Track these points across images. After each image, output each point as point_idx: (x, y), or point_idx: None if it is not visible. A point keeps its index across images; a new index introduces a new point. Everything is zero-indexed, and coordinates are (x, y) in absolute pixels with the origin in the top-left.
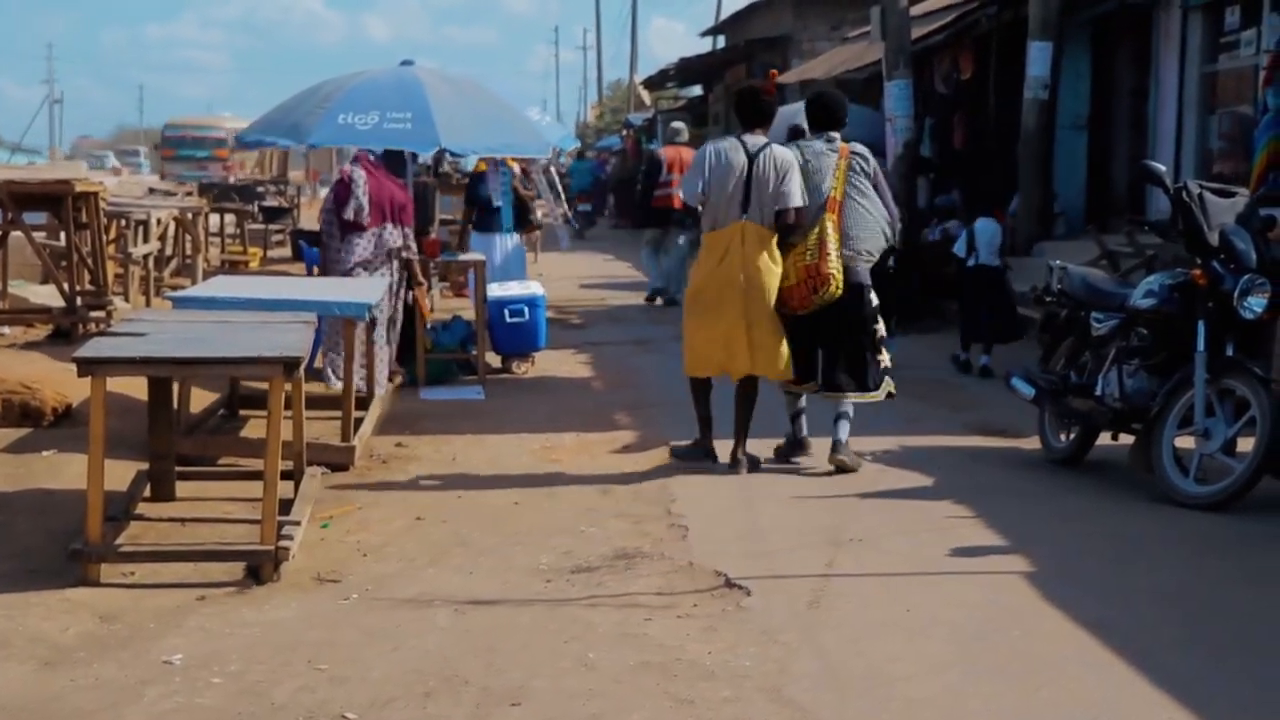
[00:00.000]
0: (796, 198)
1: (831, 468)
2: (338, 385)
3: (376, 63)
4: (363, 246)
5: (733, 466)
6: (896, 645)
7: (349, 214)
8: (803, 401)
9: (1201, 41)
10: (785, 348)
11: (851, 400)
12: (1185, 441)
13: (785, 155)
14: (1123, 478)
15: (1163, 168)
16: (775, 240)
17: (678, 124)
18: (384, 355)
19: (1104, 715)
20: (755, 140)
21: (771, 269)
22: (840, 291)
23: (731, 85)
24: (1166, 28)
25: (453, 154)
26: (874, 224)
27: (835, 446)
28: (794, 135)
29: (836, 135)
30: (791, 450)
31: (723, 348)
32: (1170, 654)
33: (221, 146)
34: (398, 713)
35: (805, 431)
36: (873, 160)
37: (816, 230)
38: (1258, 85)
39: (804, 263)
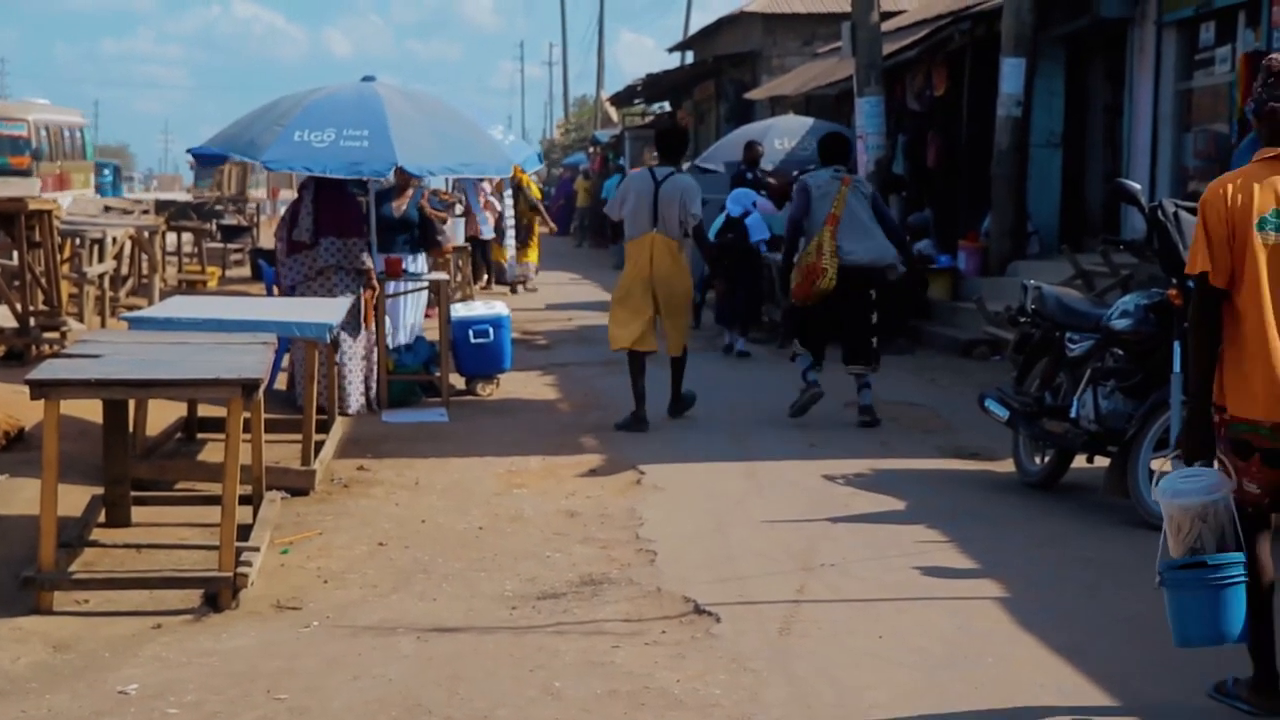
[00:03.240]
0: (698, 211)
1: (861, 419)
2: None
3: (338, 78)
4: (310, 261)
5: (672, 415)
6: (868, 673)
7: (297, 234)
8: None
9: (1176, 58)
10: (676, 330)
11: (863, 372)
12: (1162, 464)
13: (685, 180)
14: (1098, 501)
15: (1138, 186)
16: (679, 247)
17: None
18: (354, 377)
19: None
20: (662, 170)
21: (676, 269)
22: (833, 284)
23: (700, 102)
24: (1141, 44)
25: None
26: (867, 235)
27: (862, 409)
28: (749, 150)
29: (843, 168)
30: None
31: (636, 328)
32: (1146, 682)
33: (21, 151)
34: None
35: (864, 403)
36: (870, 187)
37: (818, 238)
38: (1234, 102)
39: (807, 262)
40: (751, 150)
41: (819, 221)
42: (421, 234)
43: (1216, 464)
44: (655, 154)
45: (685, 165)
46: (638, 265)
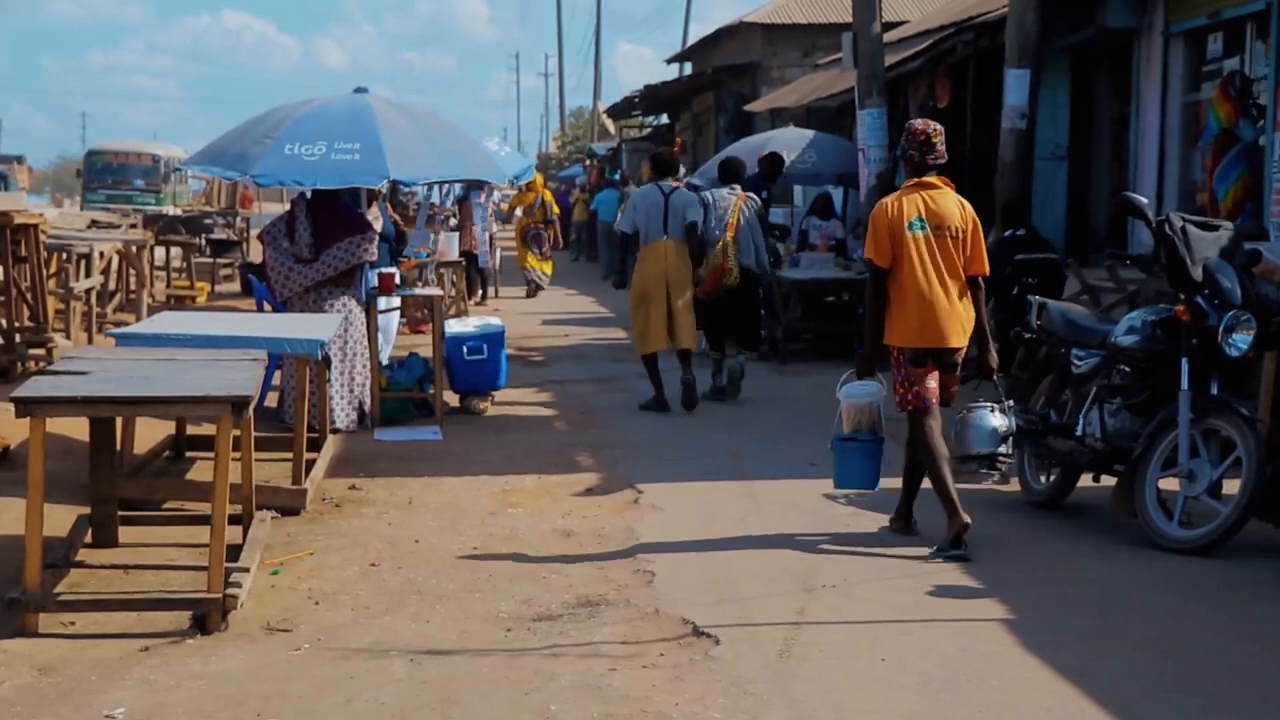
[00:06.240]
0: (697, 215)
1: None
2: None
3: (331, 89)
4: (311, 274)
5: (688, 408)
6: (870, 696)
7: (297, 250)
8: (723, 361)
9: (1183, 70)
10: (694, 325)
11: (743, 356)
12: (1169, 483)
13: (687, 193)
14: (1104, 521)
15: (1145, 200)
16: (686, 249)
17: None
18: (343, 393)
19: None
20: (667, 184)
21: (685, 268)
22: (737, 281)
23: (699, 114)
24: (1148, 55)
25: (404, 184)
26: (752, 245)
27: (717, 391)
28: (764, 163)
29: (737, 186)
30: (717, 394)
31: (663, 328)
32: (1154, 705)
33: None
34: None
35: (725, 381)
36: (757, 202)
37: (721, 243)
38: (1214, 112)
39: (715, 263)
40: (775, 162)
41: (719, 230)
42: (396, 244)
43: (877, 381)
44: (654, 173)
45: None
46: (654, 267)
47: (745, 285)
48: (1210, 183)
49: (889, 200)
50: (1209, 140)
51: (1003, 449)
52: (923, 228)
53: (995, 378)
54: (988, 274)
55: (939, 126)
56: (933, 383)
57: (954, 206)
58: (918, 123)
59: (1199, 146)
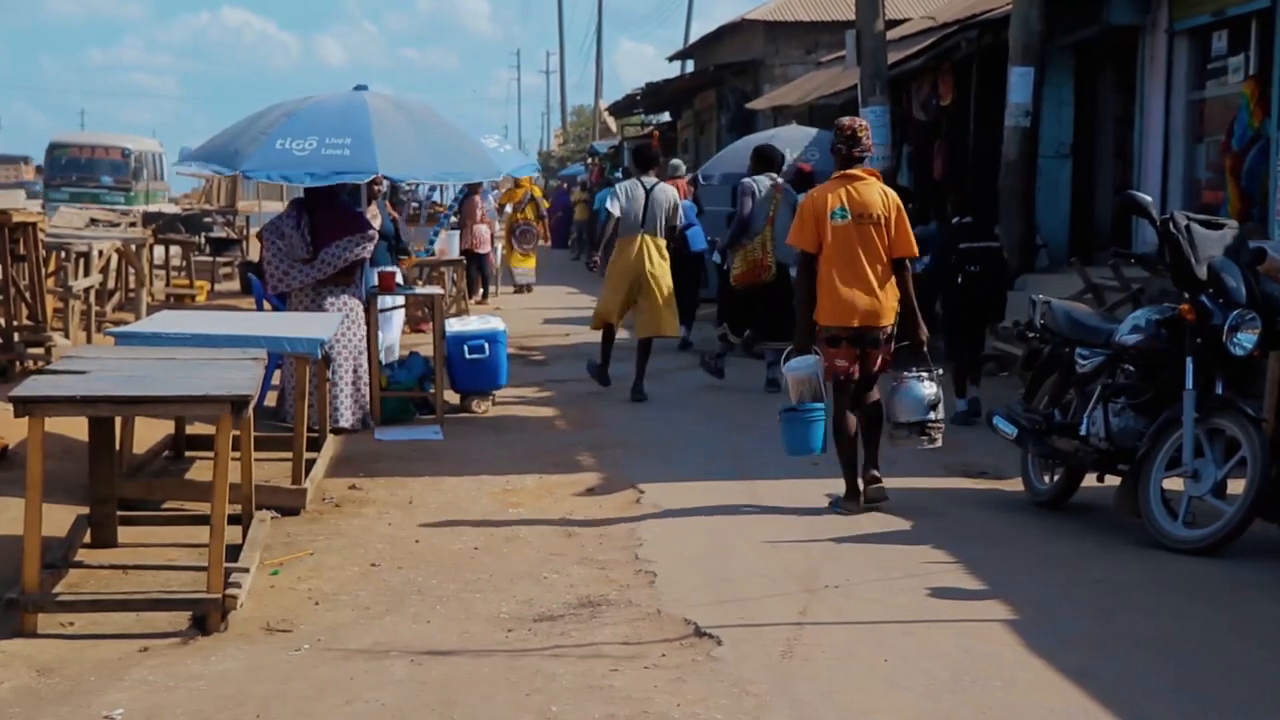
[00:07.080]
0: (681, 219)
1: (770, 389)
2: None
3: (331, 87)
4: (310, 273)
5: (635, 398)
6: (872, 697)
7: (298, 249)
8: (726, 347)
9: (1188, 68)
10: (674, 314)
11: (775, 348)
12: (1174, 483)
13: (670, 189)
14: (1109, 521)
15: (1149, 198)
16: (664, 244)
17: (676, 161)
18: (347, 392)
19: None
20: (649, 180)
21: (661, 262)
22: (773, 277)
23: (701, 112)
24: (1152, 53)
25: (394, 180)
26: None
27: (771, 381)
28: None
29: (777, 175)
30: (717, 372)
31: (618, 309)
32: (1157, 706)
33: None
34: None
35: (723, 366)
36: (796, 196)
37: (761, 237)
38: (1248, 112)
39: (754, 257)
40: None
41: (761, 222)
42: (394, 243)
43: (814, 354)
44: (635, 166)
45: (687, 176)
46: (627, 261)
47: (779, 279)
48: (1236, 182)
49: (816, 191)
50: (1243, 143)
51: (932, 415)
52: (844, 216)
53: (925, 349)
54: (915, 255)
55: (865, 123)
56: (842, 360)
57: (877, 196)
58: (846, 120)
59: (1233, 149)
